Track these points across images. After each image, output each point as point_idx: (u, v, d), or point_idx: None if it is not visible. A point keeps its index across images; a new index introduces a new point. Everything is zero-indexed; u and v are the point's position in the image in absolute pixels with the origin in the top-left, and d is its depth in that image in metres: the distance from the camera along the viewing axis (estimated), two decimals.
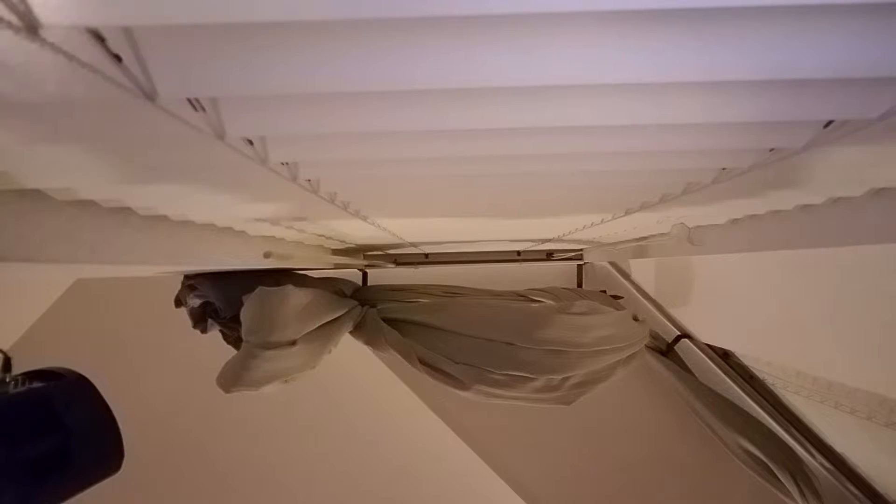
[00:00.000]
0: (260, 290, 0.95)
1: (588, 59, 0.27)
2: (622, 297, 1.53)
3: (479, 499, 1.78)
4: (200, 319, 1.10)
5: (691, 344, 1.52)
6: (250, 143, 0.38)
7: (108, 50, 0.24)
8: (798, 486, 1.22)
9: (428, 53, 0.27)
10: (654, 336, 1.50)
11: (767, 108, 0.33)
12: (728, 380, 1.50)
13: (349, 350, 1.15)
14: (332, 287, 1.20)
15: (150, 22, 0.23)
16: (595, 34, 0.26)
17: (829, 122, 0.36)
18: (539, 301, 1.29)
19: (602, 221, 0.87)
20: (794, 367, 1.25)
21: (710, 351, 1.53)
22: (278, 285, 0.97)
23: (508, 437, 1.69)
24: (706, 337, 1.49)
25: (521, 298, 1.30)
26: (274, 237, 0.90)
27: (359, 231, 0.99)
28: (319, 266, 1.21)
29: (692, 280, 1.37)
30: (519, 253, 1.58)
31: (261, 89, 0.28)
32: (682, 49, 0.27)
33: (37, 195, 0.44)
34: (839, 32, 0.26)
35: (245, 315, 0.95)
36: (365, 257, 1.52)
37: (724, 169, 0.49)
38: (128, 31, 0.24)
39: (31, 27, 0.21)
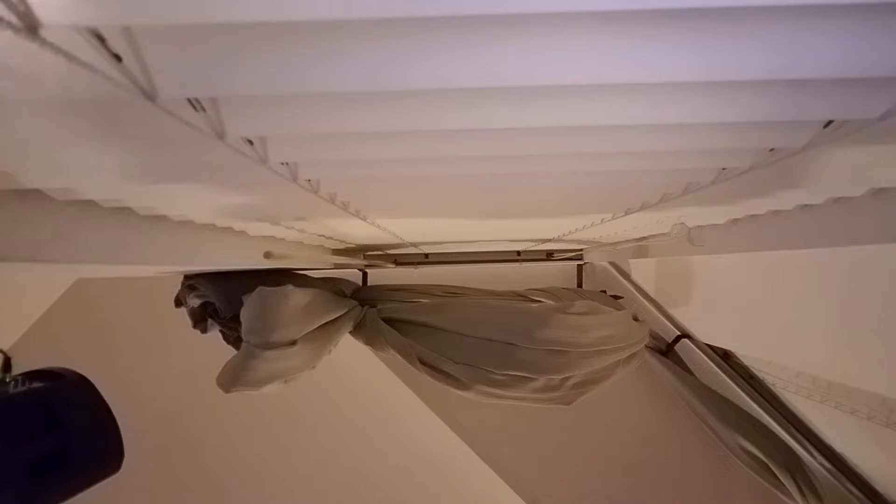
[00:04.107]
0: (260, 290, 0.95)
1: (588, 60, 0.27)
2: (622, 297, 1.53)
3: (479, 499, 1.78)
4: (200, 319, 1.10)
5: (691, 344, 1.52)
6: (250, 143, 0.38)
7: (108, 50, 0.24)
8: (798, 486, 1.22)
9: (428, 54, 0.27)
10: (654, 336, 1.50)
11: (767, 108, 0.33)
12: (728, 380, 1.50)
13: (349, 350, 1.15)
14: (332, 287, 1.20)
15: (150, 22, 0.23)
16: (594, 34, 0.26)
17: (829, 122, 0.36)
18: (539, 301, 1.29)
19: (602, 221, 0.87)
20: (794, 367, 1.25)
21: (710, 351, 1.53)
22: (278, 285, 0.97)
23: (508, 437, 1.69)
24: (706, 337, 1.48)
25: (521, 298, 1.30)
26: (274, 237, 0.90)
27: (359, 231, 0.99)
28: (319, 266, 1.21)
29: (692, 280, 1.37)
30: (519, 253, 1.58)
31: (261, 89, 0.28)
32: (682, 49, 0.27)
33: (37, 195, 0.44)
34: (839, 32, 0.26)
35: (245, 315, 0.95)
36: (365, 257, 1.52)
37: (724, 169, 0.49)
38: (128, 31, 0.24)
39: (31, 27, 0.21)
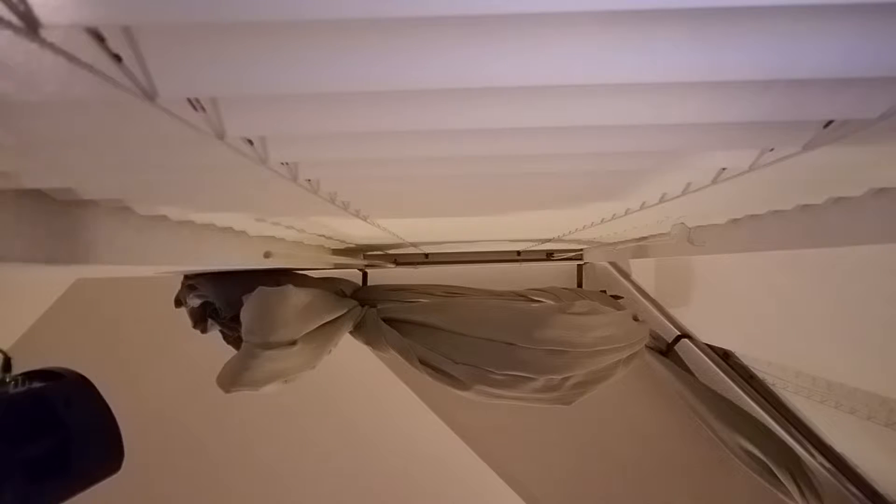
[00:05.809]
0: (260, 290, 0.95)
1: (588, 60, 0.27)
2: (622, 297, 1.53)
3: (479, 499, 1.78)
4: (200, 319, 1.10)
5: (691, 344, 1.52)
6: (250, 143, 0.38)
7: (108, 50, 0.24)
8: (798, 486, 1.22)
9: (428, 54, 0.27)
10: (654, 336, 1.50)
11: (767, 108, 0.33)
12: (728, 380, 1.50)
13: (349, 350, 1.15)
14: (332, 287, 1.19)
15: (150, 22, 0.23)
16: (595, 34, 0.26)
17: (829, 122, 0.36)
18: (539, 301, 1.29)
19: (602, 221, 0.87)
20: (794, 367, 1.25)
21: (710, 351, 1.53)
22: (278, 285, 0.97)
23: (508, 437, 1.69)
24: (706, 337, 1.49)
25: (521, 298, 1.30)
26: (274, 237, 0.90)
27: (359, 231, 0.99)
28: (319, 266, 1.21)
29: (692, 280, 1.37)
30: (519, 253, 1.58)
31: (261, 89, 0.28)
32: (681, 49, 0.27)
33: (37, 195, 0.44)
34: (839, 32, 0.26)
35: (245, 315, 0.95)
36: (365, 257, 1.52)
37: (724, 169, 0.49)
38: (128, 31, 0.24)
39: (31, 27, 0.21)
